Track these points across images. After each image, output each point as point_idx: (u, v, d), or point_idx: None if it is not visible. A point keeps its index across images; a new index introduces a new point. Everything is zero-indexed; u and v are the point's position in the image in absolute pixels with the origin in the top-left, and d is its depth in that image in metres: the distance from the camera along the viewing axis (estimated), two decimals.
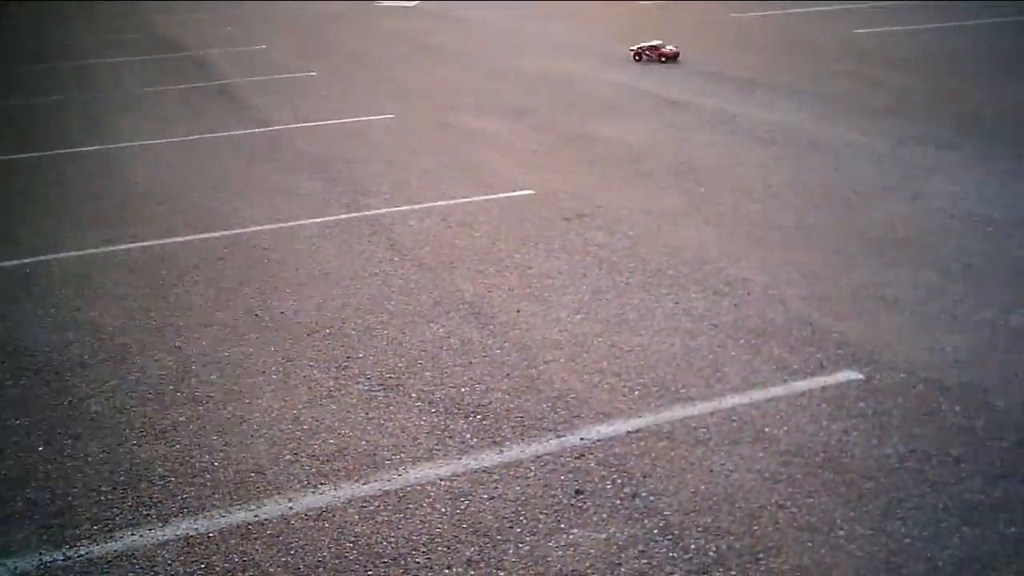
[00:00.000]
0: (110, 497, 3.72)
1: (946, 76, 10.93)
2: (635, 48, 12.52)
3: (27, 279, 5.92)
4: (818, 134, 8.49)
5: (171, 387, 4.51)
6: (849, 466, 3.69)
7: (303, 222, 6.71)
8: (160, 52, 15.76)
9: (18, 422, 4.30)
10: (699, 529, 3.37)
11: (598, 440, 3.92)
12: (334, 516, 3.53)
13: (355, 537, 3.41)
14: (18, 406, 4.43)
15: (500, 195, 7.12)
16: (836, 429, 3.93)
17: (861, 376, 4.33)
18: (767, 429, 3.96)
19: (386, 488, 3.68)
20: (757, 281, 5.39)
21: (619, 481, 3.66)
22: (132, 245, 6.42)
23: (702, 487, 3.61)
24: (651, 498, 3.56)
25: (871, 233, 6.03)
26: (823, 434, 3.90)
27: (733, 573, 3.15)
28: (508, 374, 4.48)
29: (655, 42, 12.54)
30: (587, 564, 3.22)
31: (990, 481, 3.55)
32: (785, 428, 3.96)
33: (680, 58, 12.33)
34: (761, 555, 3.23)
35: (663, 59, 12.27)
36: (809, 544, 3.27)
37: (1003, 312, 4.88)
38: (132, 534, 3.50)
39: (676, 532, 3.36)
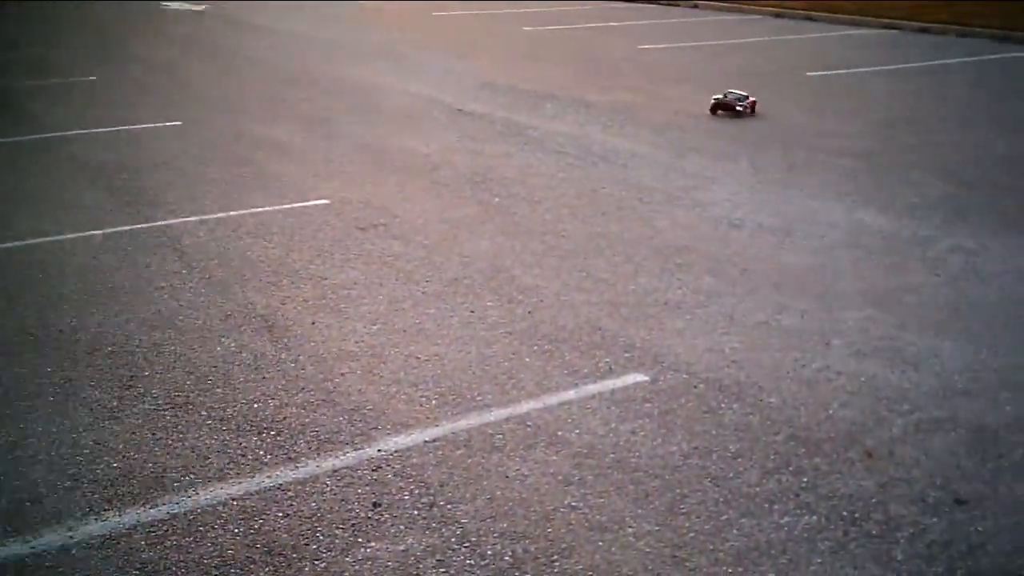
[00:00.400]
0: None
1: (718, 91, 11.55)
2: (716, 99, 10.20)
3: None
4: (606, 145, 8.79)
5: None
6: (637, 465, 3.84)
7: (83, 234, 6.37)
8: None
9: None
10: (496, 535, 3.42)
11: (395, 451, 3.92)
12: (118, 543, 3.37)
13: (142, 564, 3.26)
14: None
15: (294, 205, 7.00)
16: (624, 430, 4.08)
17: (647, 378, 4.51)
18: (560, 433, 4.06)
19: (175, 511, 3.54)
20: (550, 288, 5.53)
21: (416, 491, 3.66)
22: None
23: (498, 493, 3.66)
24: (448, 507, 3.58)
25: (656, 240, 6.30)
26: (612, 435, 4.04)
27: None
28: (303, 388, 4.41)
29: (733, 92, 10.23)
30: None
31: (765, 474, 3.78)
32: (577, 431, 4.07)
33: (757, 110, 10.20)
34: (555, 557, 3.31)
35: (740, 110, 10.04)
36: (600, 543, 3.38)
37: (775, 313, 5.20)
38: None
39: (473, 539, 3.40)
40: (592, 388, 4.42)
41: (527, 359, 4.69)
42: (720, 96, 10.17)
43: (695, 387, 4.43)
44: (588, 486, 3.70)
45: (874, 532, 3.43)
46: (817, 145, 8.87)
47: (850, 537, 3.41)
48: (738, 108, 10.01)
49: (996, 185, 7.68)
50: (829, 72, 12.90)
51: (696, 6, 20.93)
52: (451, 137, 9.12)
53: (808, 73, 12.81)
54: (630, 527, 3.47)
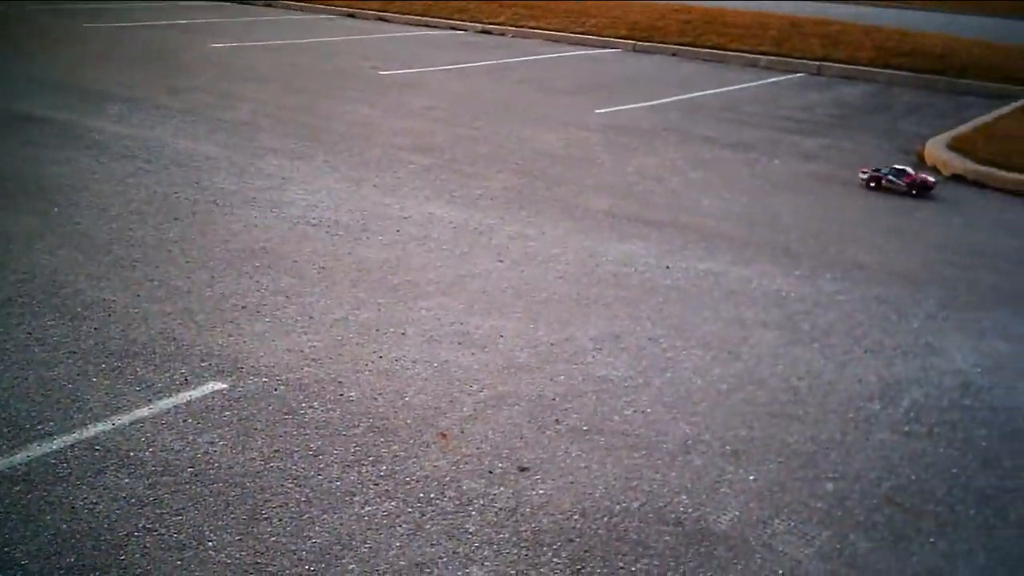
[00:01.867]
0: None
1: (293, 90, 11.56)
2: (871, 173, 8.62)
3: None
4: (178, 148, 8.45)
5: None
6: (216, 476, 3.73)
7: None
8: None
9: None
10: (62, 571, 3.18)
11: None
12: None
13: None
14: None
15: None
16: (202, 442, 3.96)
17: (225, 385, 4.41)
18: (132, 453, 3.85)
19: None
20: (119, 301, 5.22)
21: None
22: None
23: (63, 526, 3.40)
24: (5, 549, 3.26)
25: (232, 244, 6.16)
26: (189, 449, 3.90)
27: None
28: None
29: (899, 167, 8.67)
30: None
31: (346, 467, 3.84)
32: (151, 449, 3.88)
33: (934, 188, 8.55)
34: None
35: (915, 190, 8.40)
36: (179, 563, 3.25)
37: (353, 309, 5.29)
38: None
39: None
40: (167, 402, 4.24)
41: (94, 379, 4.39)
42: None
43: (275, 390, 4.39)
44: (164, 505, 3.55)
45: (448, 509, 3.61)
46: (391, 142, 9.14)
47: (426, 517, 3.56)
48: None
49: (547, 176, 8.37)
50: (397, 72, 13.34)
51: (270, 5, 20.74)
52: (9, 145, 8.31)
53: (380, 72, 13.17)
54: (210, 541, 3.37)
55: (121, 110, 9.82)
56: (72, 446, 3.88)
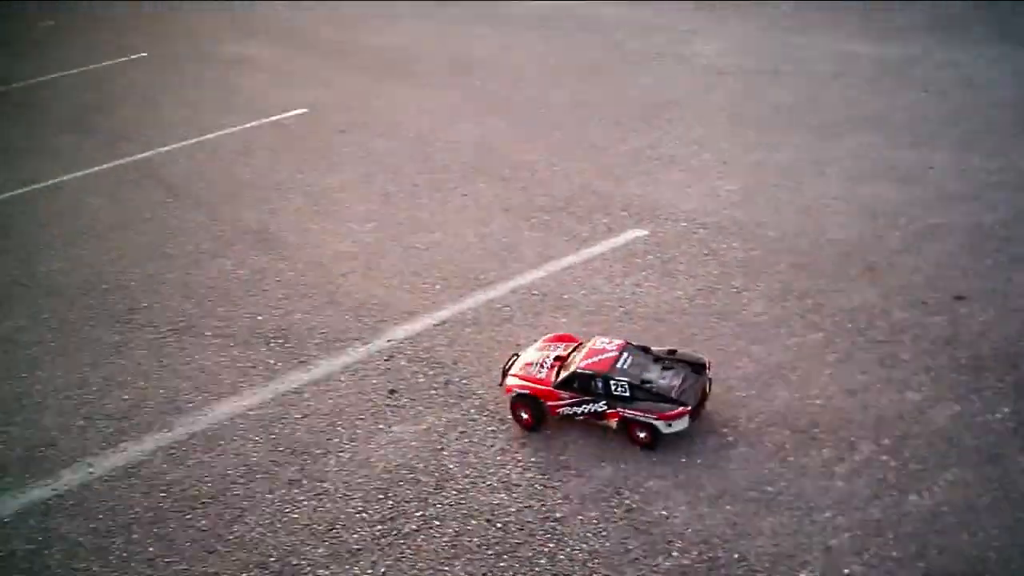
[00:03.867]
0: None
1: None
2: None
3: None
4: (584, 12, 8.55)
5: None
6: (644, 314, 3.81)
7: (63, 179, 6.27)
8: None
9: None
10: (504, 404, 3.41)
11: (405, 339, 3.89)
12: (139, 470, 3.37)
13: (167, 485, 3.27)
14: None
15: (272, 118, 6.86)
16: (628, 284, 4.04)
17: (646, 232, 4.45)
18: (566, 296, 4.03)
19: (192, 430, 3.53)
20: (541, 161, 5.43)
21: (431, 372, 3.64)
22: None
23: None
24: (464, 382, 3.57)
25: (643, 99, 6.16)
26: (618, 291, 4.00)
27: (550, 430, 3.21)
28: (305, 294, 4.37)
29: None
30: (410, 456, 3.22)
31: (771, 302, 3.74)
32: (583, 291, 4.03)
33: None
34: None
35: None
36: None
37: (769, 152, 5.09)
38: None
39: (492, 408, 3.39)
40: (594, 250, 4.37)
41: (526, 232, 4.62)
42: None
43: (695, 233, 4.36)
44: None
45: (879, 338, 3.43)
46: None
47: (856, 346, 3.40)
48: None
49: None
50: None
51: None
52: (423, 26, 8.90)
53: None
54: None
55: None
56: (512, 291, 4.13)
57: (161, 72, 8.71)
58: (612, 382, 3.07)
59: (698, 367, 3.13)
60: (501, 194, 5.08)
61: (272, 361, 3.89)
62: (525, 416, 3.23)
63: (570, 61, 7.19)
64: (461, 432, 3.30)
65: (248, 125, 6.77)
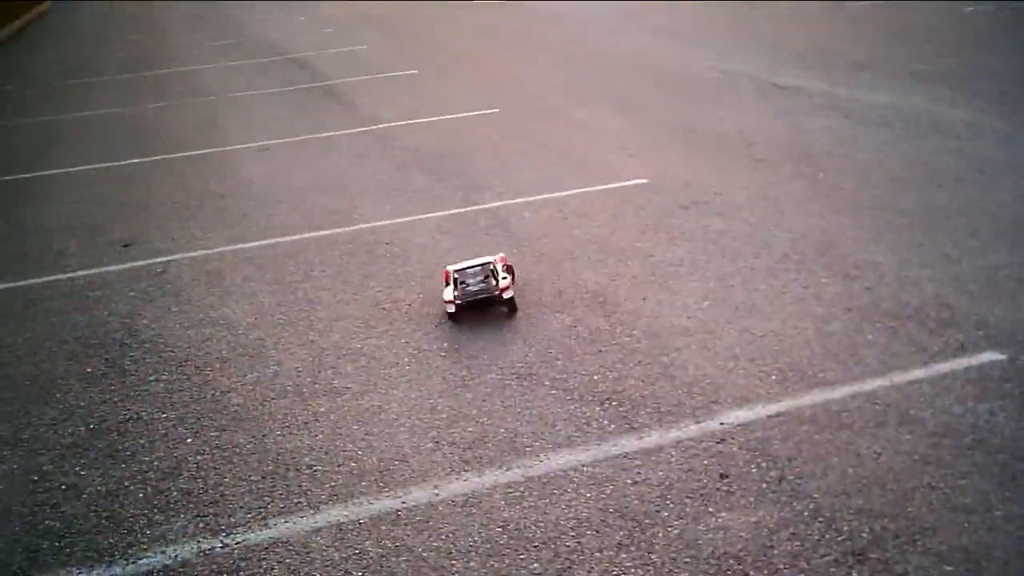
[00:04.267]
0: (260, 486, 3.82)
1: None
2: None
3: (161, 277, 6.13)
4: (936, 115, 8.27)
5: (309, 379, 4.63)
6: (1000, 446, 3.60)
7: (420, 217, 6.81)
8: (261, 56, 16.12)
9: (164, 415, 4.45)
10: (851, 511, 3.33)
11: (738, 424, 3.90)
12: (480, 502, 3.58)
13: (503, 522, 3.45)
14: (163, 400, 4.59)
15: (613, 185, 7.12)
16: (983, 410, 3.84)
17: (1004, 357, 4.22)
18: (911, 411, 3.88)
19: (529, 474, 3.71)
20: (888, 263, 5.29)
21: (764, 465, 3.63)
22: (258, 243, 6.60)
23: (849, 470, 3.56)
24: (798, 481, 3.52)
25: (1002, 213, 5.86)
26: (970, 415, 3.81)
27: (889, 554, 3.10)
28: (640, 361, 4.48)
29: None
30: (739, 547, 3.21)
31: None
32: (930, 410, 3.88)
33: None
34: (917, 536, 3.17)
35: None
36: (966, 525, 3.20)
37: None
38: (285, 521, 3.59)
39: (827, 515, 3.32)
40: (943, 367, 4.19)
41: (870, 336, 4.51)
42: None
43: None
44: (947, 466, 3.52)
45: None
46: None
47: None
48: None
49: None
50: None
51: None
52: (764, 111, 8.92)
53: None
54: (997, 510, 3.26)
55: (874, 78, 9.90)
56: (852, 396, 4.04)
57: (510, 128, 9.26)
58: None
59: None
60: (844, 292, 4.99)
61: (605, 422, 4.02)
62: None
63: (917, 163, 6.96)
64: (792, 533, 3.25)
65: (589, 189, 7.06)
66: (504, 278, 5.05)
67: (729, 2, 17.80)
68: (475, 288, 5.01)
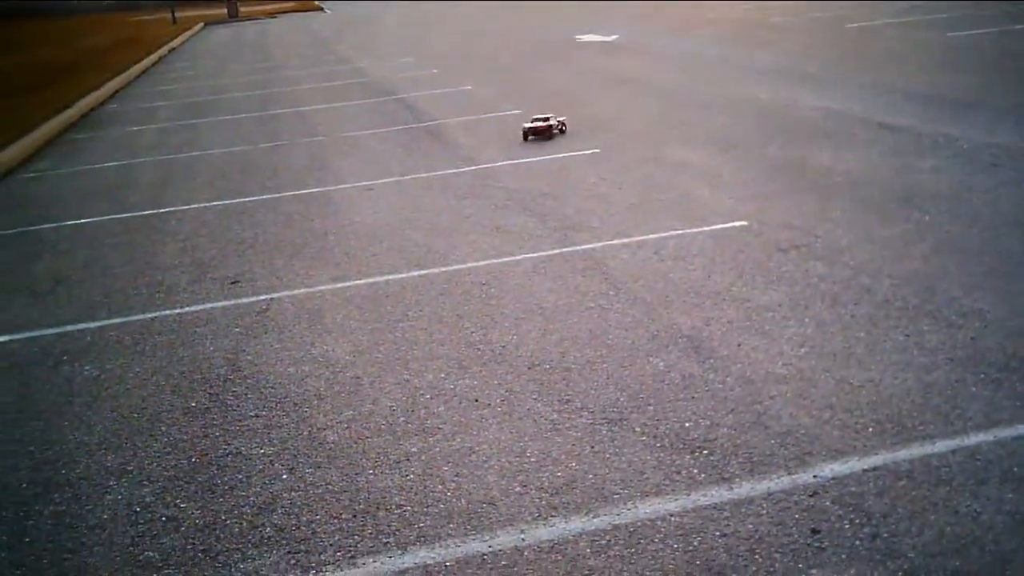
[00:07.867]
0: (351, 524, 3.89)
1: None
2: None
3: (264, 315, 6.32)
4: None
5: (402, 418, 4.70)
6: None
7: (516, 257, 6.87)
8: (368, 96, 16.51)
9: (262, 451, 4.57)
10: (947, 572, 3.22)
11: (832, 478, 3.81)
12: (566, 548, 3.58)
13: (588, 570, 3.44)
14: (261, 436, 4.72)
15: (712, 227, 7.07)
16: None
17: None
18: (1015, 469, 3.74)
19: (616, 522, 3.69)
20: (994, 313, 5.12)
21: (857, 521, 3.54)
22: (358, 282, 6.75)
23: (947, 529, 3.44)
24: (893, 539, 3.42)
25: None
26: None
27: None
28: (732, 409, 4.43)
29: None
30: None
31: None
32: None
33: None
34: None
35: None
36: None
37: None
38: (373, 561, 3.65)
39: (923, 575, 3.22)
40: None
41: (973, 388, 4.37)
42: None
43: None
44: None
45: None
46: None
47: None
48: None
49: None
50: None
51: None
52: (871, 152, 8.75)
53: None
54: None
55: (988, 118, 9.62)
56: (953, 451, 3.91)
57: (610, 168, 9.29)
58: None
59: None
60: (947, 341, 4.85)
61: (695, 471, 3.98)
62: None
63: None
64: None
65: (688, 231, 7.02)
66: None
67: (833, 35, 17.55)
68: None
